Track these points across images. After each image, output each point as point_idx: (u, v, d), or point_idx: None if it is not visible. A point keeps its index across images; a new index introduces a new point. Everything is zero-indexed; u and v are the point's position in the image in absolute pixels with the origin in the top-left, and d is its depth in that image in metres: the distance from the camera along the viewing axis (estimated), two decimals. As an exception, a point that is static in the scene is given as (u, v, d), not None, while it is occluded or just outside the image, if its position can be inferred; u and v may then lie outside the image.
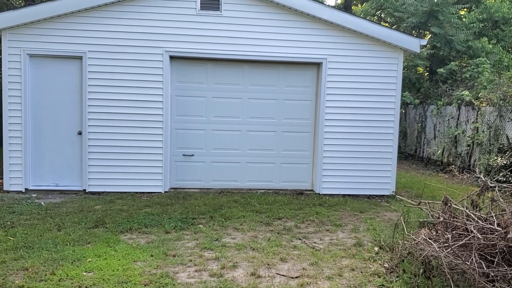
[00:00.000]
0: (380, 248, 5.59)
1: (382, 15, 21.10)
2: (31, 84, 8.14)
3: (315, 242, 5.85)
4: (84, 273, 4.56)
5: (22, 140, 8.09)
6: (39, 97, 8.20)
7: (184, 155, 8.77)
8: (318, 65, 8.80)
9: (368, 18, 19.92)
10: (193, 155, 8.80)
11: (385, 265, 4.99)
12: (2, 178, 8.39)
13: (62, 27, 8.07)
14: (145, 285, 4.31)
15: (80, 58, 8.17)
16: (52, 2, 7.92)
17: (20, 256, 4.96)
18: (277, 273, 4.76)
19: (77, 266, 4.72)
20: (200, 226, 6.37)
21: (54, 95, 8.25)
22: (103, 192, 8.30)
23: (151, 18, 8.24)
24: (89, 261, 4.86)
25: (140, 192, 8.37)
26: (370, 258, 5.25)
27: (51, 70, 8.22)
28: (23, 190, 8.17)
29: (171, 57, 8.43)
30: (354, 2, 23.78)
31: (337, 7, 24.46)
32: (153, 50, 8.29)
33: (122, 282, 4.37)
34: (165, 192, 8.49)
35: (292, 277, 4.66)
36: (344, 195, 8.74)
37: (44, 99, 8.22)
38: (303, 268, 4.91)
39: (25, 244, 5.32)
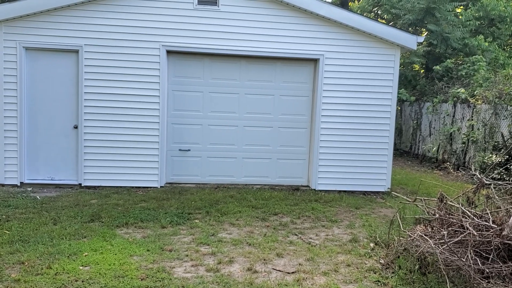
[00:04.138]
0: (376, 244, 5.61)
1: (378, 11, 21.06)
2: (27, 78, 8.10)
3: (311, 238, 5.87)
4: (81, 267, 4.55)
5: (17, 134, 8.05)
6: (35, 90, 8.16)
7: (180, 150, 8.77)
8: (315, 61, 8.80)
9: (364, 14, 19.90)
10: (189, 150, 8.79)
11: (380, 261, 5.01)
12: (-3, 172, 8.35)
13: (58, 20, 8.02)
14: (141, 280, 4.31)
15: (77, 51, 8.13)
16: (49, -5, 7.89)
17: (15, 249, 4.94)
18: (273, 269, 4.77)
19: (74, 260, 4.71)
20: (196, 221, 6.37)
21: (50, 89, 8.20)
22: (98, 187, 8.28)
23: (148, 12, 8.21)
24: (86, 255, 4.85)
25: (136, 187, 8.35)
26: (366, 254, 5.28)
27: (47, 64, 8.17)
28: (18, 184, 8.13)
29: (168, 52, 8.41)
30: (351, -2, 23.76)
31: (333, 3, 24.42)
32: (150, 44, 8.25)
33: (119, 277, 4.37)
34: (161, 187, 8.48)
35: (288, 273, 4.67)
36: (339, 191, 8.77)
37: (40, 92, 8.18)
38: (299, 264, 4.93)
39: (21, 238, 5.30)
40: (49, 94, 8.21)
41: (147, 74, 8.28)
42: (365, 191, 8.90)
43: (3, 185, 8.10)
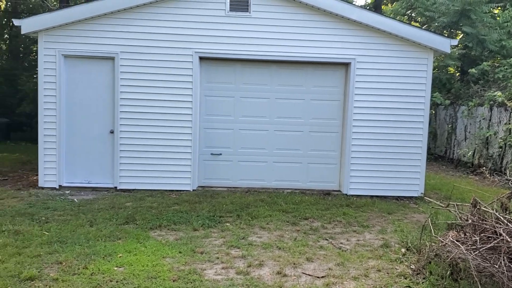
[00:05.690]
0: (407, 249, 5.56)
1: (412, 14, 20.78)
2: (65, 84, 8.40)
3: (341, 243, 5.87)
4: (115, 268, 4.70)
5: (56, 139, 8.36)
6: (73, 96, 8.45)
7: (212, 154, 8.89)
8: (346, 65, 8.78)
9: (398, 17, 19.68)
10: (220, 154, 8.90)
11: (411, 266, 4.97)
12: (37, 175, 8.66)
13: (95, 29, 8.29)
14: (173, 281, 4.42)
15: (113, 58, 8.38)
16: (86, 4, 8.20)
17: (54, 250, 5.14)
18: (303, 273, 4.80)
19: (109, 261, 4.87)
20: (227, 224, 6.46)
21: (87, 95, 8.49)
22: (133, 190, 8.48)
23: (182, 20, 8.39)
24: (120, 257, 5.00)
25: (169, 190, 8.52)
26: (397, 260, 5.24)
27: (84, 70, 8.45)
28: (57, 187, 8.42)
29: (201, 58, 8.55)
30: (384, 1, 23.49)
31: (366, 6, 24.22)
32: (183, 51, 8.43)
33: (152, 278, 4.49)
34: (193, 190, 8.62)
35: (318, 277, 4.69)
36: (372, 196, 8.69)
37: (77, 98, 8.47)
38: (329, 268, 4.94)
39: (59, 239, 5.51)
40: (86, 100, 8.49)
41: (181, 80, 8.46)
42: (398, 196, 8.79)
43: (42, 188, 8.40)
